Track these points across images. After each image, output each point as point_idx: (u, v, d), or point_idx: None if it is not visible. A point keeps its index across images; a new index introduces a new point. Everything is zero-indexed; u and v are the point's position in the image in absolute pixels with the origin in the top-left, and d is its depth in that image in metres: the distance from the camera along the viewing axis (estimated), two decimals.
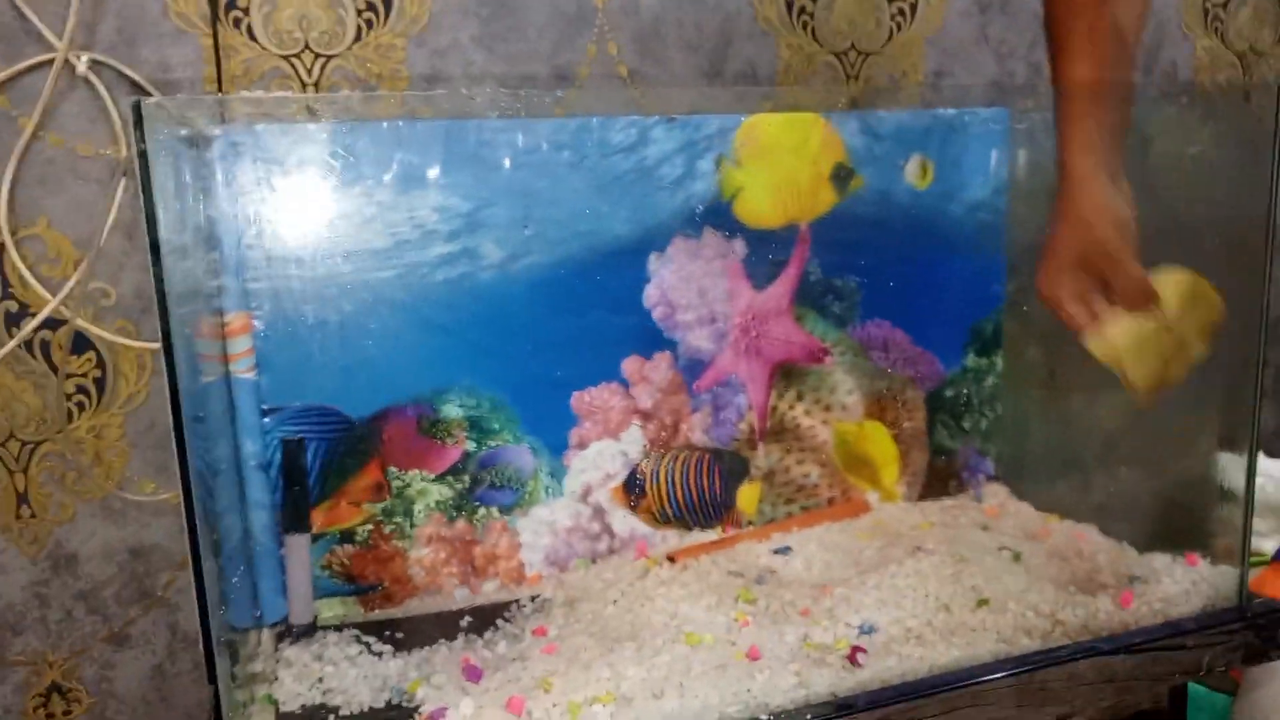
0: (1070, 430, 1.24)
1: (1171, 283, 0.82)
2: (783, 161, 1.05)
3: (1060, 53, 0.83)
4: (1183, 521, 1.08)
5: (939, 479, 1.19)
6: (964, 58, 1.22)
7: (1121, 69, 0.80)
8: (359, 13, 0.96)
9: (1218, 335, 0.82)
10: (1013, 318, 1.22)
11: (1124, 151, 0.82)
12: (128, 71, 0.89)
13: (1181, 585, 0.94)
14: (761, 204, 1.05)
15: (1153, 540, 1.05)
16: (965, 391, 1.20)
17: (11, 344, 0.91)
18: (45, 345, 0.92)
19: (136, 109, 0.59)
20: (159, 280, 0.60)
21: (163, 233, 0.62)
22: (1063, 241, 0.81)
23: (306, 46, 0.95)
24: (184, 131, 0.81)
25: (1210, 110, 1.12)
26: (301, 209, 0.90)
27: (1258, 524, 1.23)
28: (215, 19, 0.91)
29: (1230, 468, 1.06)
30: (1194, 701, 0.96)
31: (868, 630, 0.86)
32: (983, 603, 0.89)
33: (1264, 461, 1.31)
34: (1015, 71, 1.26)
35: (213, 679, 0.65)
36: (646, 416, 1.05)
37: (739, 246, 1.06)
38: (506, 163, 0.96)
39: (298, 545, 0.90)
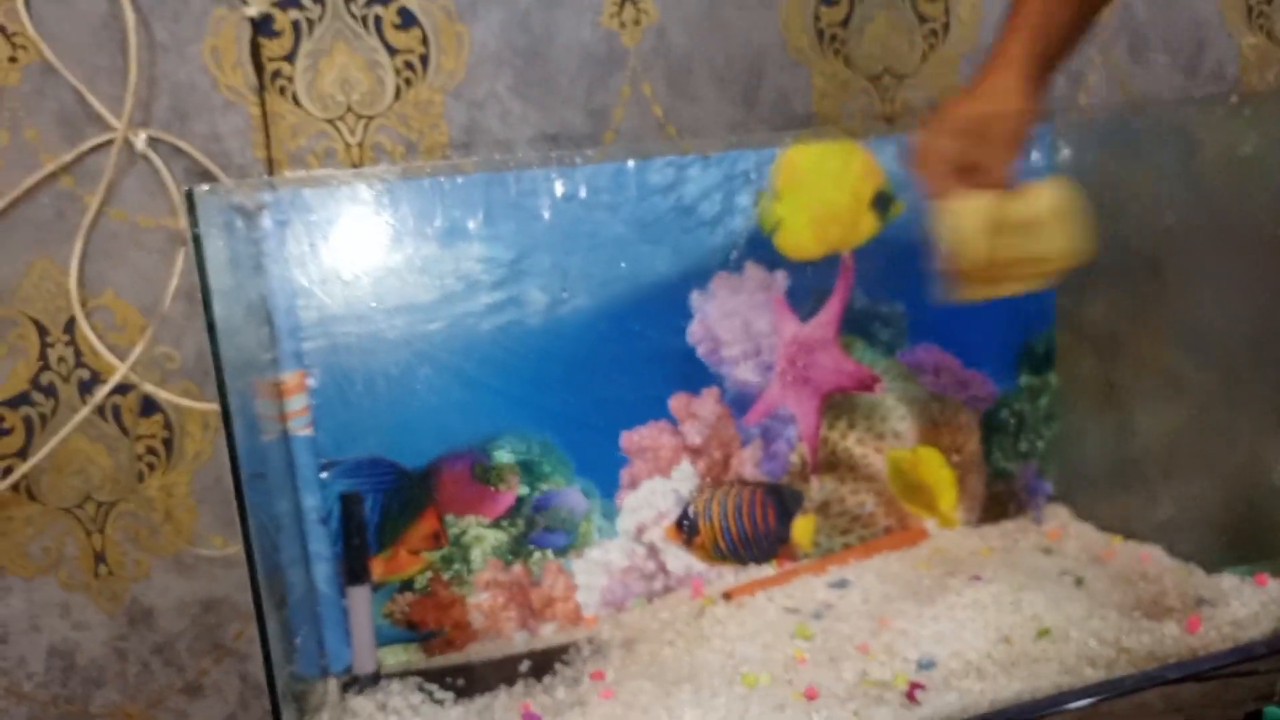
0: (1131, 445, 1.21)
1: (1046, 192, 0.75)
2: (821, 191, 1.05)
3: None
4: (1253, 537, 1.05)
5: (998, 502, 1.18)
6: None
7: None
8: (397, 72, 0.99)
9: (1069, 269, 0.76)
10: (1065, 333, 1.20)
11: (1069, 53, 0.79)
12: (182, 145, 0.93)
13: (1250, 607, 0.92)
14: (802, 235, 1.05)
15: (1222, 558, 1.02)
16: (1020, 411, 1.18)
17: (85, 411, 0.95)
18: (116, 410, 0.96)
19: (189, 197, 0.61)
20: (216, 355, 0.62)
21: (219, 308, 0.65)
22: (954, 107, 0.77)
23: (349, 109, 0.98)
24: (236, 200, 0.84)
25: (1261, 110, 1.09)
26: (350, 269, 0.93)
27: None
28: (261, 88, 0.95)
29: None
30: None
31: (927, 665, 0.85)
32: (1044, 632, 0.88)
33: None
34: (1055, 83, 1.24)
35: None
36: (696, 453, 1.06)
37: (781, 279, 1.06)
38: (546, 211, 0.98)
39: (359, 596, 0.92)
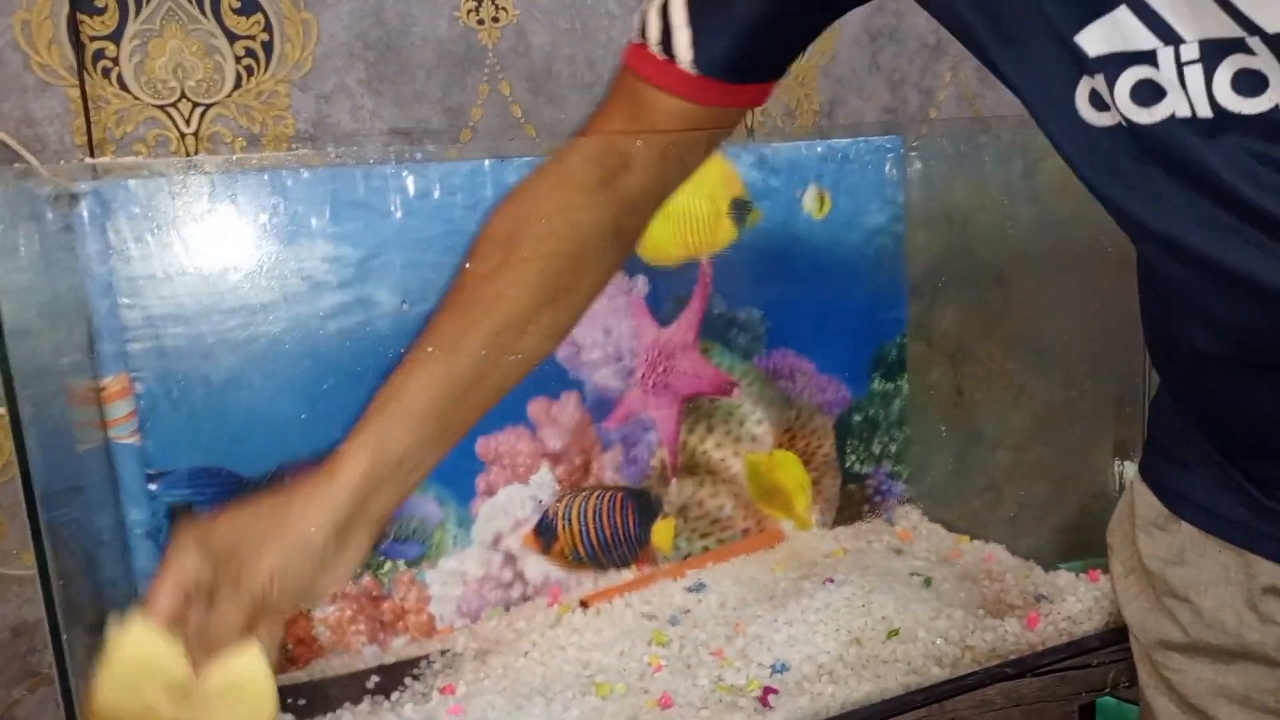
0: (978, 449, 1.26)
1: (233, 670, 0.53)
2: (680, 197, 1.05)
3: None
4: (1085, 535, 1.10)
5: (852, 504, 1.20)
6: (856, 86, 1.24)
7: None
8: (238, 59, 0.93)
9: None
10: (916, 341, 1.23)
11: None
12: None
13: (1084, 603, 0.96)
14: (662, 240, 1.04)
15: (1059, 555, 1.07)
16: (873, 415, 1.21)
17: None
18: None
19: None
20: (2, 357, 0.57)
21: (13, 302, 0.59)
22: (226, 519, 0.55)
23: (183, 95, 0.92)
24: (46, 190, 0.77)
25: None
26: (181, 265, 0.86)
27: None
28: (82, 69, 0.88)
29: (1127, 477, 1.09)
30: (1104, 715, 0.97)
31: (780, 669, 0.85)
32: (893, 633, 0.90)
33: None
34: (908, 98, 1.28)
35: None
36: (556, 458, 1.04)
37: (641, 284, 1.05)
38: (398, 209, 0.94)
39: None
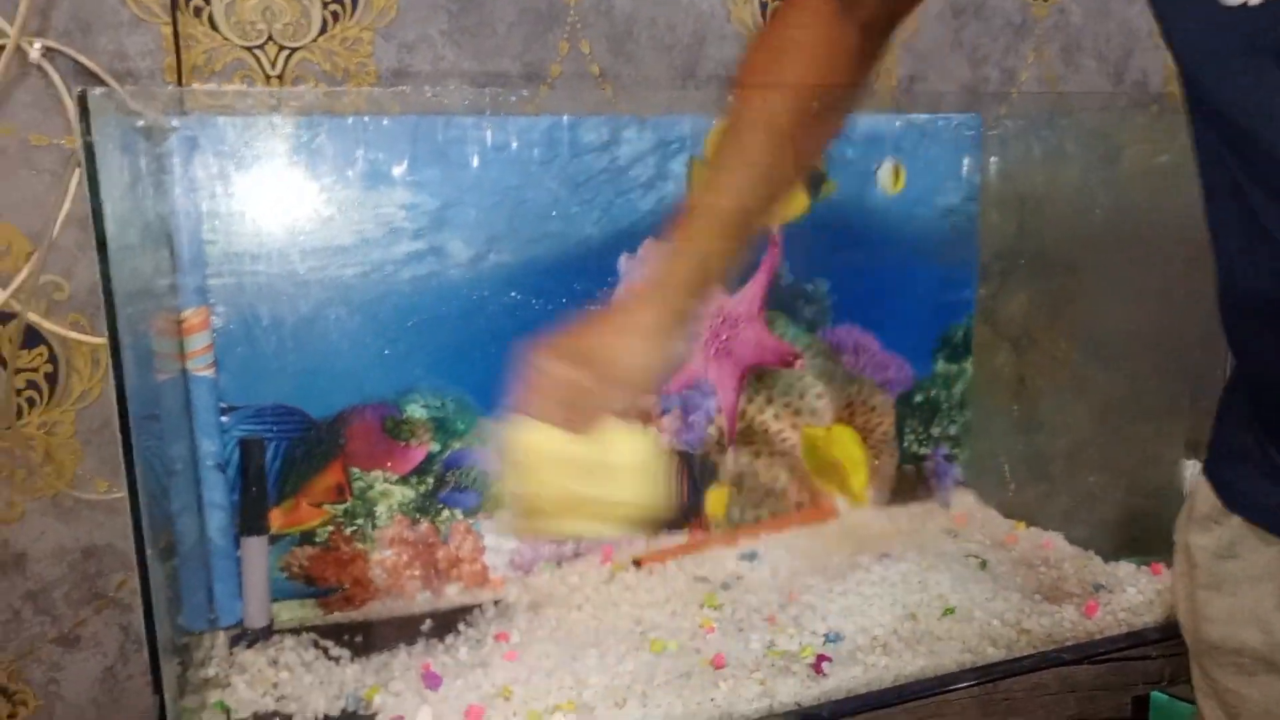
0: (1038, 437, 1.24)
1: (628, 441, 0.62)
2: None
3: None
4: (1148, 529, 1.08)
5: (908, 485, 1.19)
6: (937, 62, 1.22)
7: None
8: (325, 5, 0.94)
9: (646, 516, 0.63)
10: (983, 325, 1.22)
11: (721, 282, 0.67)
12: (83, 59, 0.86)
13: (1146, 595, 0.94)
14: None
15: (1119, 548, 1.05)
16: (934, 397, 1.19)
17: None
18: None
19: (83, 99, 0.57)
20: (105, 276, 0.58)
21: (113, 227, 0.61)
22: (576, 336, 0.64)
23: (270, 38, 0.93)
24: (140, 123, 0.78)
25: (1179, 121, 1.12)
26: (263, 204, 0.88)
27: None
28: (175, 7, 0.89)
29: (1195, 476, 1.07)
30: (1156, 710, 0.96)
31: (834, 639, 0.85)
32: (949, 611, 0.89)
33: None
34: (989, 77, 1.25)
35: (158, 688, 0.63)
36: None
37: None
38: (475, 160, 0.95)
39: (254, 547, 0.88)
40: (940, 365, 1.19)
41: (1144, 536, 1.06)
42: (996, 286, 1.22)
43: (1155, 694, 0.92)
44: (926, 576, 0.93)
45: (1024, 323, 1.24)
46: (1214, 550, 0.58)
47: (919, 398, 1.19)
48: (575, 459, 0.60)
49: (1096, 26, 1.30)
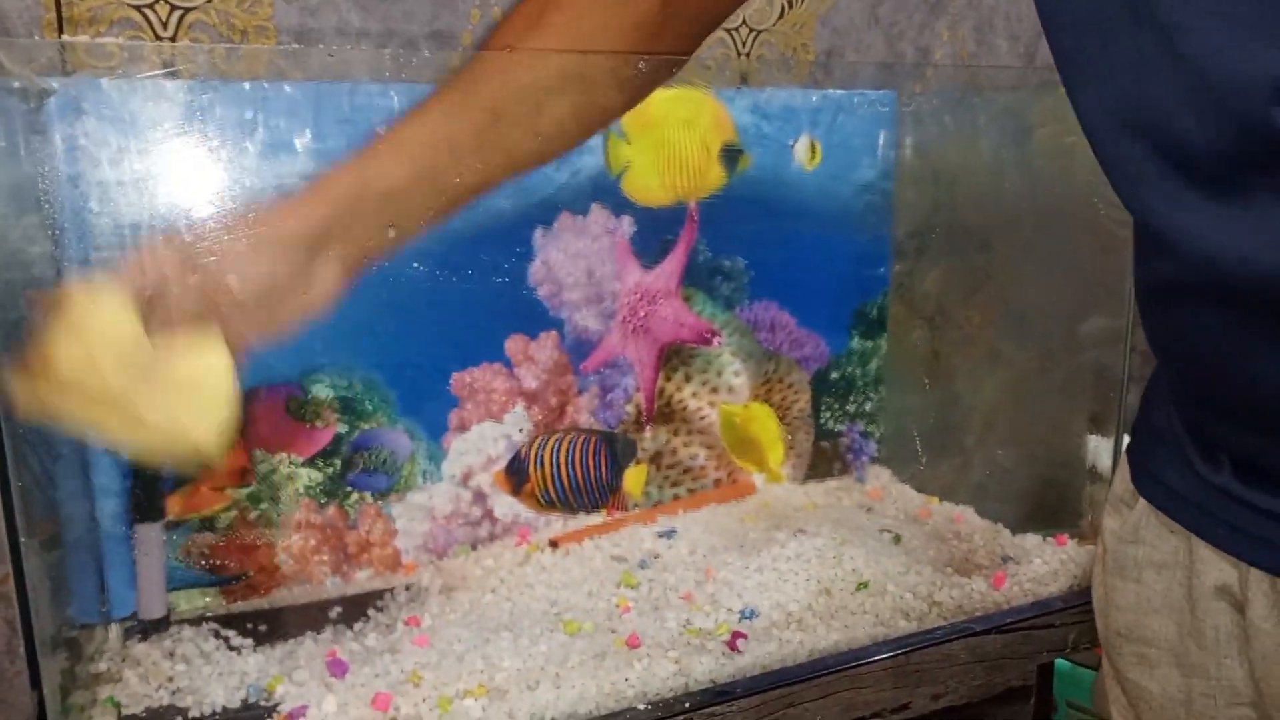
0: (951, 413, 1.26)
1: (198, 355, 0.53)
2: (672, 137, 1.02)
3: None
4: (1054, 502, 1.11)
5: (824, 461, 1.20)
6: (854, 38, 1.22)
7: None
8: None
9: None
10: (898, 301, 1.23)
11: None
12: None
13: (1050, 565, 0.96)
14: (650, 180, 1.02)
15: (1026, 520, 1.08)
16: (850, 373, 1.20)
17: None
18: None
19: None
20: None
21: None
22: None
23: None
24: (16, 84, 0.73)
25: None
26: (153, 172, 0.83)
27: None
28: None
29: (1098, 449, 1.09)
30: (1060, 677, 0.98)
31: (749, 615, 0.85)
32: (862, 585, 0.90)
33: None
34: (904, 54, 1.26)
35: (35, 683, 0.59)
36: (531, 398, 1.02)
37: (627, 224, 1.03)
38: (383, 128, 0.91)
39: (148, 534, 0.84)
40: (856, 342, 1.20)
41: (1050, 509, 1.08)
42: (911, 263, 1.23)
43: (1059, 661, 0.95)
44: (841, 551, 0.93)
45: (938, 299, 1.26)
46: (1120, 535, 0.56)
47: (835, 374, 1.19)
48: (127, 351, 0.49)
49: (1009, 7, 1.32)
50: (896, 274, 1.22)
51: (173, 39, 0.89)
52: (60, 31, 0.84)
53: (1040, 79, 1.35)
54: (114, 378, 0.49)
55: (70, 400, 0.50)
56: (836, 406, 1.20)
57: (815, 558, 0.93)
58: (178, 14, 0.89)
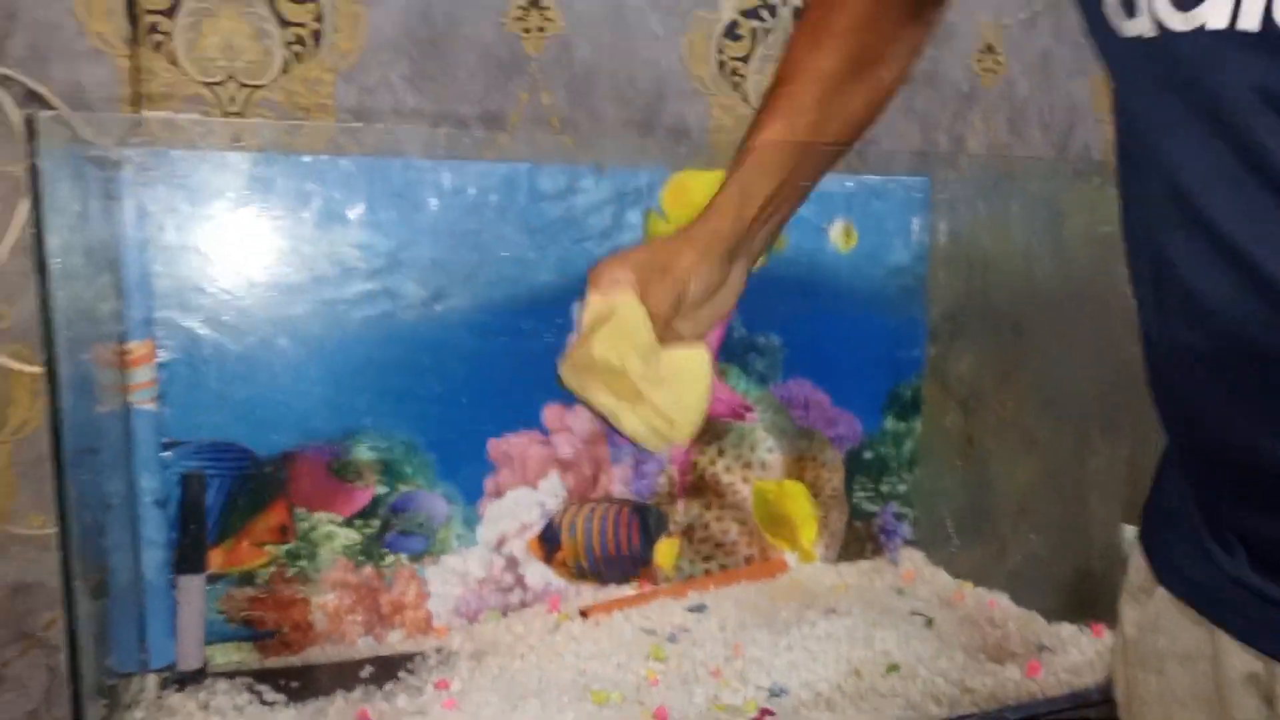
0: (985, 497, 1.25)
1: (687, 357, 0.64)
2: None
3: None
4: (1090, 591, 1.09)
5: (857, 541, 1.19)
6: (889, 126, 1.25)
7: None
8: (287, 45, 0.95)
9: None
10: (932, 383, 1.24)
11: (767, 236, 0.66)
12: (37, 88, 0.86)
13: (1086, 655, 0.95)
14: None
15: (1062, 609, 1.06)
16: (883, 454, 1.21)
17: None
18: None
19: (30, 122, 0.56)
20: (44, 301, 0.57)
21: (59, 255, 0.60)
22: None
23: (230, 76, 0.93)
24: (92, 152, 0.78)
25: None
26: (216, 238, 0.87)
27: None
28: (135, 41, 0.89)
29: (1134, 538, 1.08)
30: None
31: (778, 692, 0.84)
32: (893, 668, 0.89)
33: None
34: (938, 142, 1.29)
35: None
36: (566, 466, 1.04)
37: None
38: (433, 203, 0.95)
39: (190, 586, 0.86)
40: (889, 422, 1.21)
41: (1086, 598, 1.07)
42: (945, 346, 1.24)
43: None
44: (872, 633, 0.93)
45: (972, 382, 1.26)
46: (1142, 624, 0.55)
47: (868, 454, 1.20)
48: (646, 346, 0.60)
49: (1042, 99, 1.35)
50: (931, 357, 1.23)
51: (239, 115, 0.94)
52: (136, 103, 0.90)
53: (1073, 168, 1.38)
54: (634, 367, 0.59)
55: (598, 380, 0.60)
56: (870, 487, 1.20)
57: (845, 638, 0.92)
58: (245, 91, 0.94)
